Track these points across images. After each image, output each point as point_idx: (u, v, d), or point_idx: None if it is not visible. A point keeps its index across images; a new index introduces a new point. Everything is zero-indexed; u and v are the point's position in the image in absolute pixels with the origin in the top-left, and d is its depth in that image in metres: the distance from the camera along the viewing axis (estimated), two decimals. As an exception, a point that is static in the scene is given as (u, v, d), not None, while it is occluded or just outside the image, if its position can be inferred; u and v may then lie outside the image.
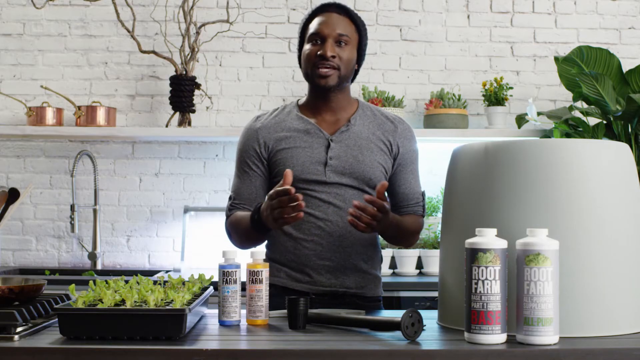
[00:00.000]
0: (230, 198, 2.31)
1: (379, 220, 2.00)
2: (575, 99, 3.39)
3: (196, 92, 3.70)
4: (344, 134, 2.23)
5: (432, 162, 3.60)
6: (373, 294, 2.27)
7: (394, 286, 3.20)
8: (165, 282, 1.97)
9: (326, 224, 2.19)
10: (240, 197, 2.28)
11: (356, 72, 2.29)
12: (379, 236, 2.29)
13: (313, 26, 2.22)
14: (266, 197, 2.04)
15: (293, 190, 1.93)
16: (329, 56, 2.17)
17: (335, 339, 1.66)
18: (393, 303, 3.15)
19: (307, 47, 2.22)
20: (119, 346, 1.53)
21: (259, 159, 2.26)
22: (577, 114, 3.47)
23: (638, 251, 1.75)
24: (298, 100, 2.35)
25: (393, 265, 3.54)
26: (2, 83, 3.79)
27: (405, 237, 2.29)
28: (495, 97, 3.64)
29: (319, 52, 2.18)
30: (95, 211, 3.71)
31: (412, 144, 2.31)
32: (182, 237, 3.71)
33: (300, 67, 2.28)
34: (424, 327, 1.68)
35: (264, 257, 1.91)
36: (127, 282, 1.88)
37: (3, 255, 3.74)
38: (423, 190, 2.33)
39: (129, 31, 3.61)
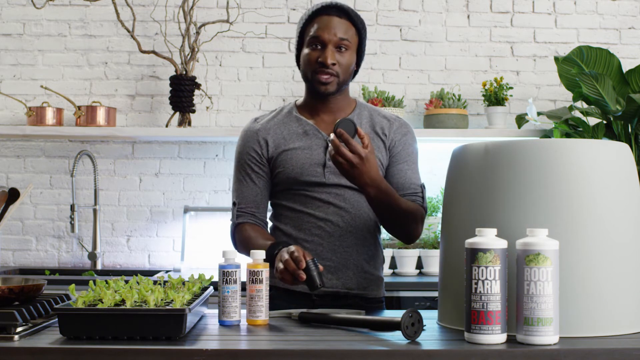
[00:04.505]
0: (234, 204, 2.26)
1: (355, 161, 1.94)
2: (575, 99, 3.39)
3: (196, 92, 3.70)
4: None
5: (432, 162, 3.60)
6: (375, 295, 2.25)
7: (394, 286, 3.20)
8: (165, 282, 1.97)
9: (326, 224, 2.19)
10: (246, 202, 2.24)
11: (355, 72, 2.28)
12: (378, 231, 2.29)
13: (313, 29, 2.18)
14: (284, 254, 1.94)
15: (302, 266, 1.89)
16: (329, 64, 2.14)
17: (335, 339, 1.66)
18: (393, 303, 3.15)
19: (306, 50, 2.19)
20: (119, 346, 1.53)
21: (261, 160, 2.24)
22: (577, 114, 3.47)
23: (638, 251, 1.75)
24: (296, 101, 2.34)
25: (393, 265, 3.54)
26: (2, 83, 3.80)
27: (402, 218, 2.14)
28: (495, 97, 3.64)
29: (319, 59, 2.16)
30: (95, 211, 3.71)
31: (408, 137, 2.27)
32: (182, 237, 3.71)
33: (299, 67, 2.27)
34: (424, 327, 1.68)
35: (264, 257, 1.91)
36: (127, 282, 1.88)
37: (3, 255, 3.74)
38: (422, 182, 2.27)
39: (129, 31, 3.61)
